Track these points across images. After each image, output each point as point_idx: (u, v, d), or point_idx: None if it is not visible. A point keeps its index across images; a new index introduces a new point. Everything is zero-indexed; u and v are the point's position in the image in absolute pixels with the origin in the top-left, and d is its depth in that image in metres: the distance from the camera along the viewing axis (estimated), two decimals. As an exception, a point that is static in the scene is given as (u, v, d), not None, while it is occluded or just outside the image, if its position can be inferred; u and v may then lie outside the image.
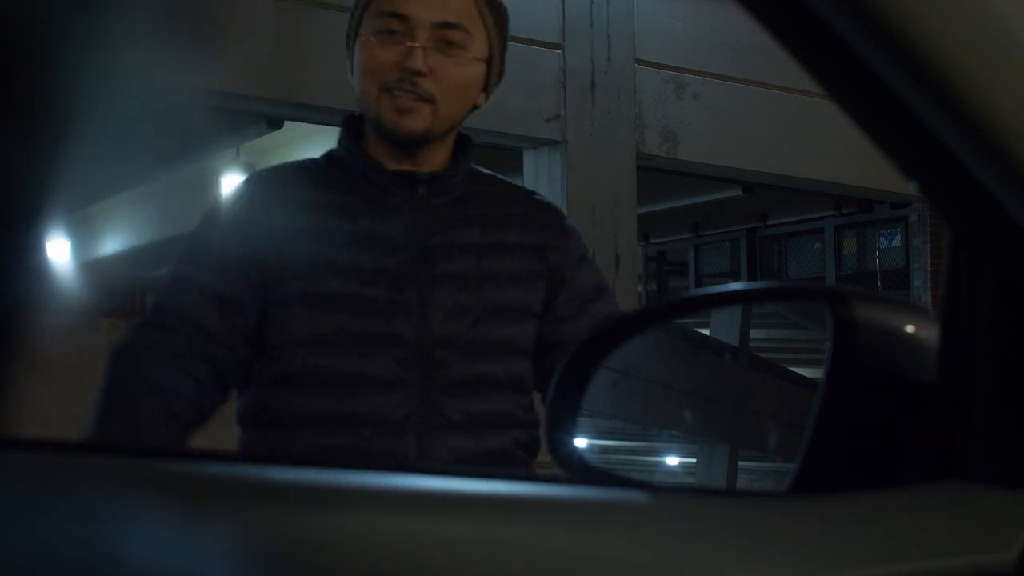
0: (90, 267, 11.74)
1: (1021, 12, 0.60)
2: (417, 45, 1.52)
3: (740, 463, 1.45)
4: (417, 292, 1.53)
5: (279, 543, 0.49)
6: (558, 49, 5.97)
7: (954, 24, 0.59)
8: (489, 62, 1.60)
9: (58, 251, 10.55)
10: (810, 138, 6.62)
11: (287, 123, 6.40)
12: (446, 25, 1.54)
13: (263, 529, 0.49)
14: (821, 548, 0.60)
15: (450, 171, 1.61)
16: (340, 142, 1.64)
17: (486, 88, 1.63)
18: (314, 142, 8.31)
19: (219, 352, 1.53)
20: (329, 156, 1.64)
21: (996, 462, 0.68)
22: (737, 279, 8.73)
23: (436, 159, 1.61)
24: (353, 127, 1.63)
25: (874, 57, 0.61)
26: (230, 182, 8.67)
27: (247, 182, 1.62)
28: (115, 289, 6.70)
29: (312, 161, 1.65)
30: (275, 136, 7.46)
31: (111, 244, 11.98)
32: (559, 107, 5.93)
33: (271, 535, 0.49)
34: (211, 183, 9.05)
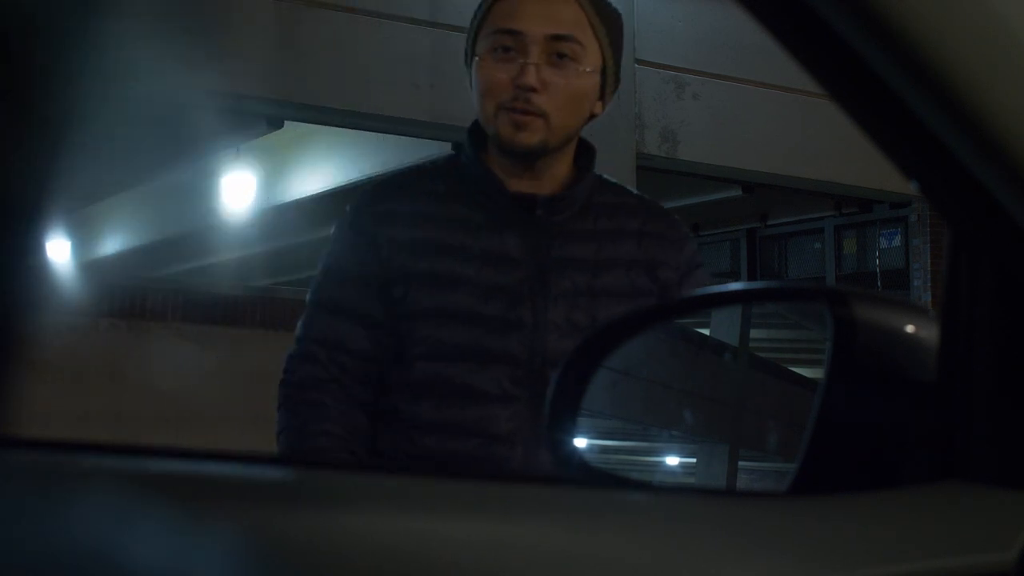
0: (90, 267, 11.74)
1: (1021, 12, 0.60)
2: (530, 62, 1.56)
3: (740, 463, 1.45)
4: (531, 310, 1.58)
5: (279, 543, 0.49)
6: (558, 49, 5.96)
7: (954, 24, 0.59)
8: (603, 71, 1.63)
9: (58, 251, 10.55)
10: (810, 138, 6.62)
11: (287, 123, 6.40)
12: (558, 38, 1.57)
13: (263, 529, 0.49)
14: (821, 548, 0.60)
15: (569, 192, 1.64)
16: (464, 152, 1.67)
17: (603, 96, 1.66)
18: (314, 142, 8.32)
19: (372, 369, 1.60)
20: (454, 160, 1.68)
21: (996, 462, 0.68)
22: (737, 279, 8.73)
23: (557, 171, 1.64)
24: (477, 136, 1.66)
25: (874, 57, 0.61)
26: (230, 182, 8.68)
27: (372, 194, 1.66)
28: (115, 289, 6.69)
29: (436, 165, 1.68)
30: (275, 136, 7.46)
31: (111, 244, 11.98)
32: (559, 107, 5.93)
33: (271, 535, 0.49)
34: (211, 183, 9.05)
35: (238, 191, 8.70)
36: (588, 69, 1.60)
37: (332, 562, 0.49)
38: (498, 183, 1.62)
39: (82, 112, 0.36)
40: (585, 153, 1.69)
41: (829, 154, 6.59)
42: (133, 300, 6.58)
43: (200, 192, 9.44)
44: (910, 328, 0.73)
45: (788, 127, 6.64)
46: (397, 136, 6.13)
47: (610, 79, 1.65)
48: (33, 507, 0.45)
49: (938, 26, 0.59)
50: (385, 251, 1.59)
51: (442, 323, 1.57)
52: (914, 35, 0.59)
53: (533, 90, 1.56)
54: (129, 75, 0.37)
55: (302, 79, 5.35)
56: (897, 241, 7.86)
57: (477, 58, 1.61)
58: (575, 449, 0.84)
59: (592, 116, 1.67)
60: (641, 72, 6.24)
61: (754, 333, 1.55)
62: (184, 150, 7.90)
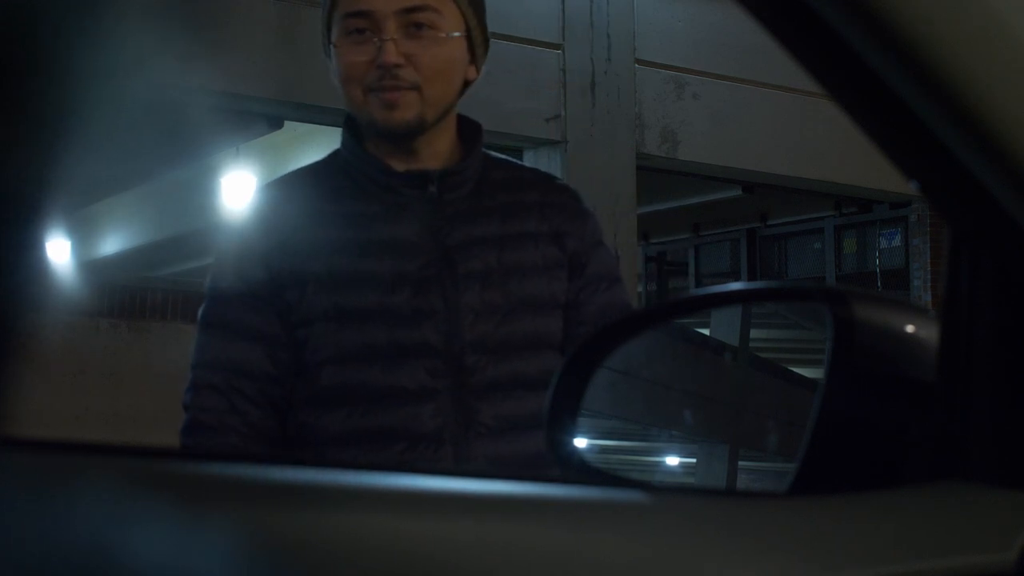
0: (90, 267, 11.75)
1: (1021, 12, 0.60)
2: (386, 39, 1.49)
3: (740, 463, 1.46)
4: (442, 296, 1.50)
5: (279, 543, 0.49)
6: (558, 49, 5.97)
7: (954, 24, 0.60)
8: (468, 35, 1.56)
9: (58, 251, 10.55)
10: (810, 138, 6.62)
11: (287, 123, 6.39)
12: (410, 9, 1.50)
13: (263, 529, 0.49)
14: (821, 548, 0.60)
15: (462, 165, 1.57)
16: (344, 144, 1.60)
17: (474, 60, 1.58)
18: (314, 142, 8.32)
19: (274, 390, 1.51)
20: (335, 158, 1.61)
21: (996, 462, 0.68)
22: (737, 279, 8.73)
23: (440, 148, 1.57)
24: (354, 127, 1.59)
25: (874, 57, 0.61)
26: (230, 182, 8.68)
27: (254, 201, 1.59)
28: (115, 289, 6.70)
29: (316, 167, 1.61)
30: (275, 136, 7.46)
31: (111, 244, 11.98)
32: (559, 107, 5.94)
33: (271, 535, 0.49)
34: (211, 183, 9.05)
35: (238, 191, 8.70)
36: (451, 34, 1.53)
37: (332, 562, 0.49)
38: (384, 165, 1.54)
39: (82, 112, 0.36)
40: (469, 129, 1.62)
41: (829, 154, 6.59)
42: (133, 300, 6.59)
43: (200, 192, 9.44)
44: (910, 328, 0.73)
45: (788, 127, 6.64)
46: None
47: (478, 41, 1.57)
48: (33, 507, 0.45)
49: (938, 26, 0.59)
50: (275, 259, 1.50)
51: (347, 323, 1.48)
52: (914, 35, 0.59)
53: (397, 66, 1.49)
54: (129, 74, 0.37)
55: (302, 79, 5.34)
56: (897, 241, 7.86)
57: (333, 46, 1.54)
58: (575, 449, 0.84)
59: (467, 83, 1.59)
60: (641, 72, 6.24)
61: (754, 333, 1.55)
62: (184, 150, 7.90)
